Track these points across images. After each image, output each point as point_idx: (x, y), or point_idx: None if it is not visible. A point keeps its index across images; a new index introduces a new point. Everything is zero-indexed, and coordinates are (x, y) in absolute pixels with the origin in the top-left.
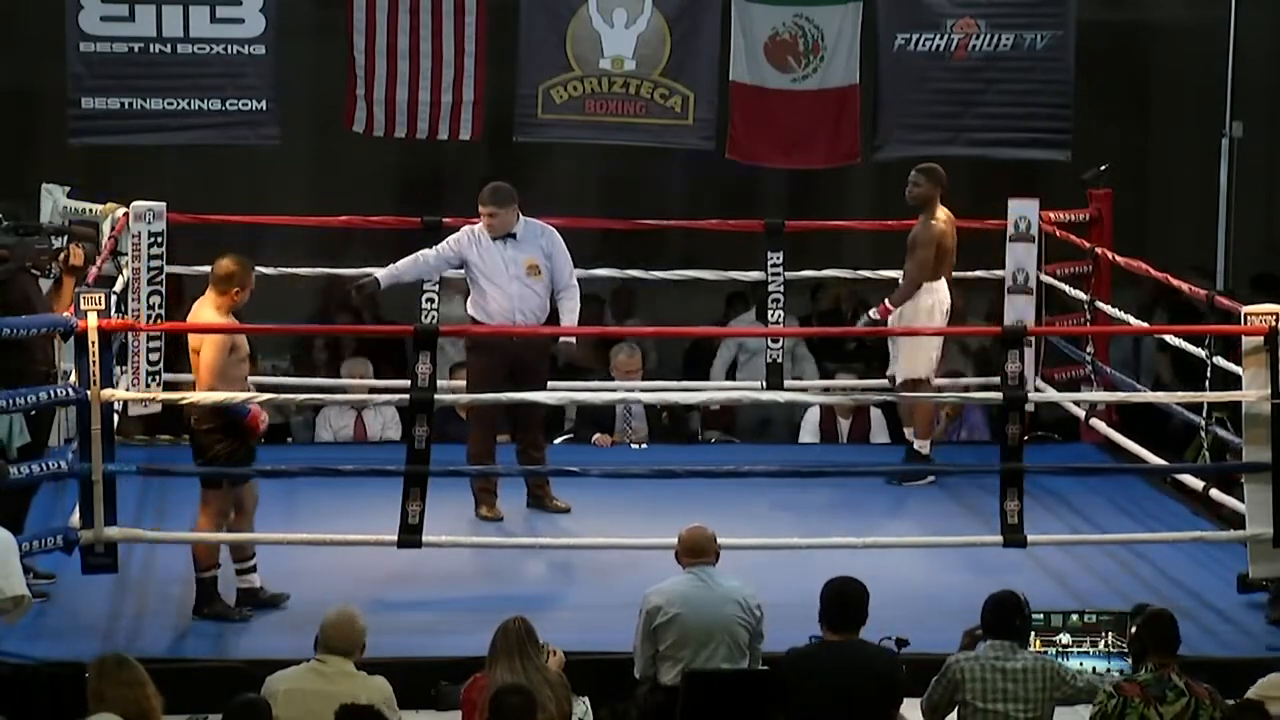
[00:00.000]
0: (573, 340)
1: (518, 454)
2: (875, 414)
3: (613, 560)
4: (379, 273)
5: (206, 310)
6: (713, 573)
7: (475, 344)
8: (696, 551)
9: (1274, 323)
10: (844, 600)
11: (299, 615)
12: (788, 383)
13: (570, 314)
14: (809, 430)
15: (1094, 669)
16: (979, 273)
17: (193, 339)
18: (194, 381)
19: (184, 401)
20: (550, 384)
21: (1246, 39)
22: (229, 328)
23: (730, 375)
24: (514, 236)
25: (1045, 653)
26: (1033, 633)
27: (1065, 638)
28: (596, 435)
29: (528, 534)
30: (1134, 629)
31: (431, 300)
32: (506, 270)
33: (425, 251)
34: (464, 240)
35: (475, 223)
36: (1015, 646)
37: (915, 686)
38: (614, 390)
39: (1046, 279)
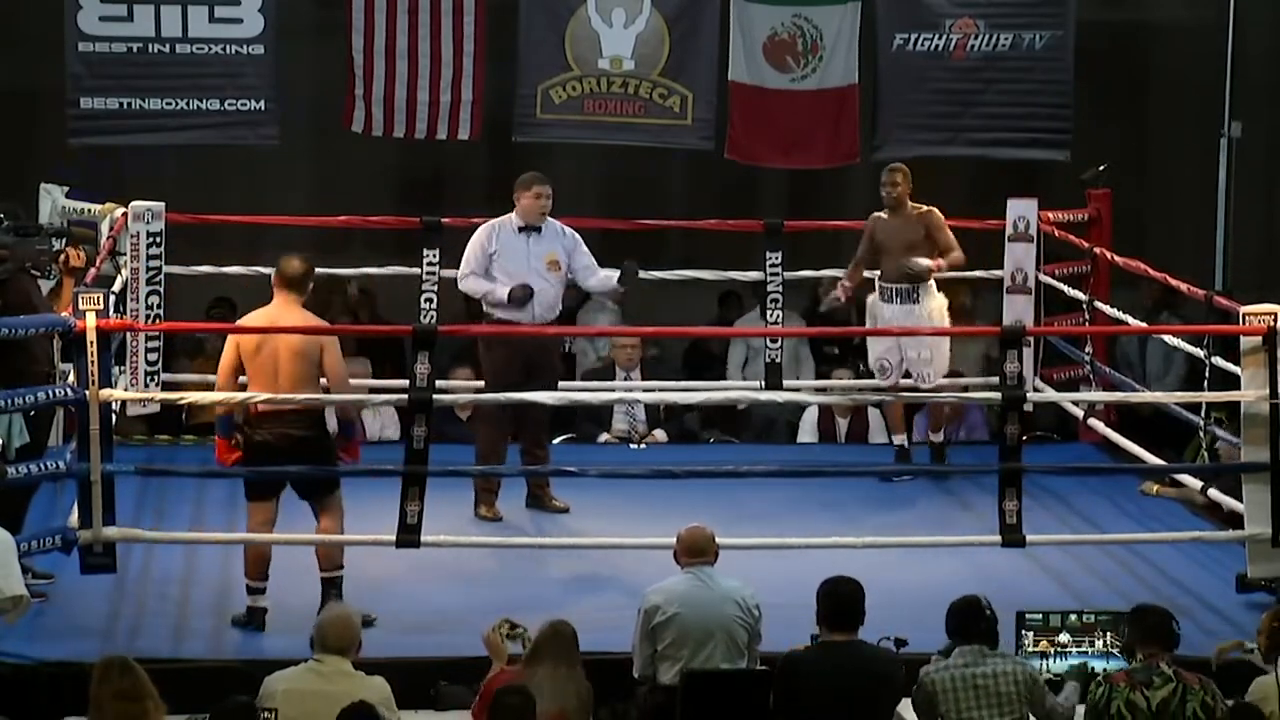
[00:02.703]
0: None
1: (521, 453)
2: (873, 414)
3: (611, 560)
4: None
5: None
6: (712, 573)
7: (492, 339)
8: (696, 551)
9: (1272, 323)
10: (838, 600)
11: (297, 615)
12: (787, 382)
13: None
14: (807, 430)
15: (1092, 668)
16: (978, 273)
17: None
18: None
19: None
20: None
21: (1246, 38)
22: (223, 328)
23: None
24: (538, 230)
25: (1041, 654)
26: (1032, 632)
27: (1065, 637)
28: (604, 435)
29: (526, 534)
30: (1125, 624)
31: (431, 300)
32: (528, 262)
33: (475, 273)
34: (484, 237)
35: (476, 221)
36: (984, 650)
37: (914, 687)
38: (614, 390)
39: (1045, 279)
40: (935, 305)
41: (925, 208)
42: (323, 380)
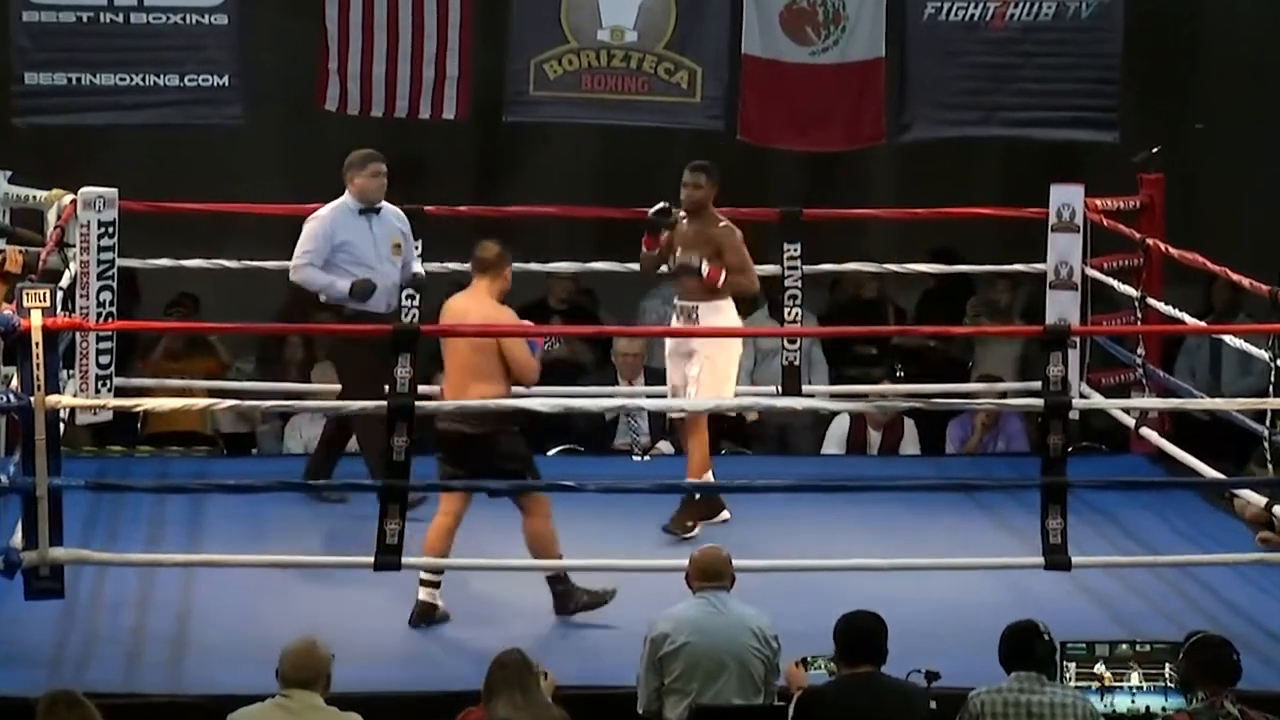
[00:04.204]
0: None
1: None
2: (908, 424)
3: (614, 583)
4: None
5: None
6: (726, 598)
7: (348, 336)
8: (710, 574)
9: None
10: (851, 637)
11: (264, 646)
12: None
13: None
14: (834, 442)
15: (1147, 706)
16: (1018, 266)
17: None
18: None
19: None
20: (546, 388)
21: None
22: (183, 327)
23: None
24: (377, 212)
25: (1085, 688)
26: (1074, 664)
27: (1112, 669)
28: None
29: (518, 555)
30: (1181, 657)
31: (413, 298)
32: (376, 249)
33: (313, 264)
34: (327, 225)
35: (463, 210)
36: (1043, 679)
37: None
38: (613, 396)
39: (1092, 273)
40: (717, 325)
41: (726, 223)
42: None
